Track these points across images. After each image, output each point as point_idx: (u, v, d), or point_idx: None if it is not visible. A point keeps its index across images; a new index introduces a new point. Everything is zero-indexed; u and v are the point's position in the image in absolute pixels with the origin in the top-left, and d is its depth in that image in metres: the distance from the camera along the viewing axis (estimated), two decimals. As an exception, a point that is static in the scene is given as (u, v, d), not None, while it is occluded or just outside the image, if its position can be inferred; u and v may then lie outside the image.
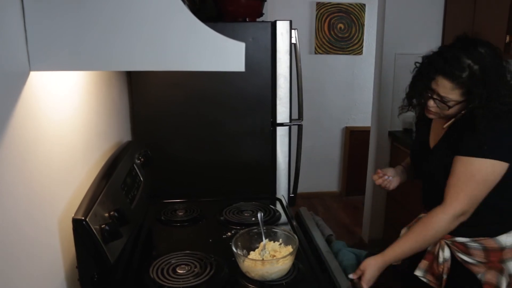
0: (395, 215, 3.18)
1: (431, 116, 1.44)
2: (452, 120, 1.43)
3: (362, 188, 3.63)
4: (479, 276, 1.41)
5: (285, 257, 1.23)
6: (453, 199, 1.34)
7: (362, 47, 4.26)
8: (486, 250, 1.41)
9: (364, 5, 4.16)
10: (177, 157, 1.96)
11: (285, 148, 2.02)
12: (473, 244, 1.42)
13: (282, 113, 1.97)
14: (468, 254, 1.44)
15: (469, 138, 1.33)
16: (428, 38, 3.02)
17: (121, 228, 1.11)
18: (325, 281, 1.25)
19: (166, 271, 1.26)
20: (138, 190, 1.43)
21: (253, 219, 1.61)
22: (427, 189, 1.58)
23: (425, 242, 1.39)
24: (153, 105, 1.92)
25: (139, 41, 0.82)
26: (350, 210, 4.17)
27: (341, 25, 4.16)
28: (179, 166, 1.97)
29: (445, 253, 1.46)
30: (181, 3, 0.82)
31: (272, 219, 1.64)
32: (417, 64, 1.43)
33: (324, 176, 4.52)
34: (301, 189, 2.41)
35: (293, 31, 1.93)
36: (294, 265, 1.27)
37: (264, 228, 1.36)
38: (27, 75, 0.85)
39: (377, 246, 2.66)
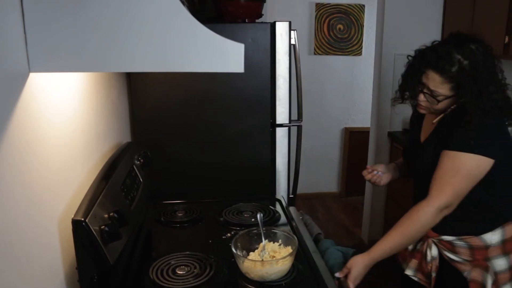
0: (394, 216, 3.15)
1: (421, 110, 1.46)
2: (442, 115, 1.44)
3: (361, 189, 3.64)
4: (465, 274, 1.43)
5: (284, 257, 1.23)
6: (438, 191, 1.35)
7: (362, 47, 4.26)
8: (471, 248, 1.43)
9: (363, 5, 4.17)
10: (177, 158, 1.96)
11: (285, 149, 2.02)
12: (459, 243, 1.44)
13: (282, 114, 1.97)
14: (454, 252, 1.45)
15: (458, 133, 1.34)
16: (427, 39, 2.96)
17: (121, 229, 1.11)
18: (322, 282, 1.25)
19: (166, 272, 1.26)
20: (138, 191, 1.43)
21: (253, 220, 1.61)
22: (418, 186, 1.59)
23: (411, 236, 1.38)
24: (152, 106, 1.92)
25: (138, 42, 0.82)
26: (350, 211, 4.18)
27: (340, 25, 4.17)
28: (179, 167, 1.97)
29: (433, 252, 1.48)
30: (180, 4, 0.82)
31: (271, 220, 1.64)
32: (409, 58, 1.46)
33: (323, 176, 4.52)
34: (300, 189, 2.41)
35: (292, 32, 1.93)
36: (293, 265, 1.27)
37: (264, 229, 1.36)
38: (27, 76, 0.85)
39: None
